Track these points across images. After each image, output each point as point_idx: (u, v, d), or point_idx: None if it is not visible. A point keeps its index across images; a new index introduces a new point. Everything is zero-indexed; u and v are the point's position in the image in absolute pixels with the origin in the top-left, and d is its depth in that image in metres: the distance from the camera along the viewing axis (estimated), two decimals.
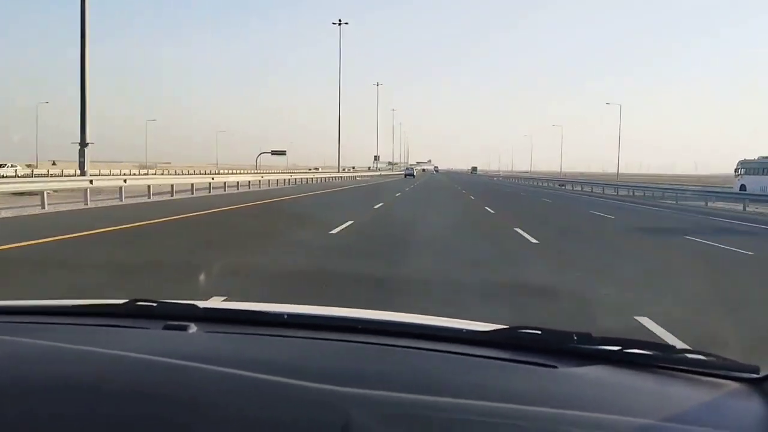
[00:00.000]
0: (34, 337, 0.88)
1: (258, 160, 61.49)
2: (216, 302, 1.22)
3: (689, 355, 0.91)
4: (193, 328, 1.02)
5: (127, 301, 1.14)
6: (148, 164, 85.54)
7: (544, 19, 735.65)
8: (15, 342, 0.85)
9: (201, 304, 1.14)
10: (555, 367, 0.88)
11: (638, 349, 0.92)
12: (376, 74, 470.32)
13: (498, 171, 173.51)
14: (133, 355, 0.80)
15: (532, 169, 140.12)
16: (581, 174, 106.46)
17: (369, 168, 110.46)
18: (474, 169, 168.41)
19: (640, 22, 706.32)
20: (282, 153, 62.33)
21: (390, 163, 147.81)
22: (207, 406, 0.69)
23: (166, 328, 1.02)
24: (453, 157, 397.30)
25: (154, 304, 1.11)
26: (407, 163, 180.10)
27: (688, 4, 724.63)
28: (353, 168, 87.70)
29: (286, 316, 1.09)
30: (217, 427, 0.66)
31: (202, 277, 5.48)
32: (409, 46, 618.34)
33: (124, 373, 0.76)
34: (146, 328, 1.04)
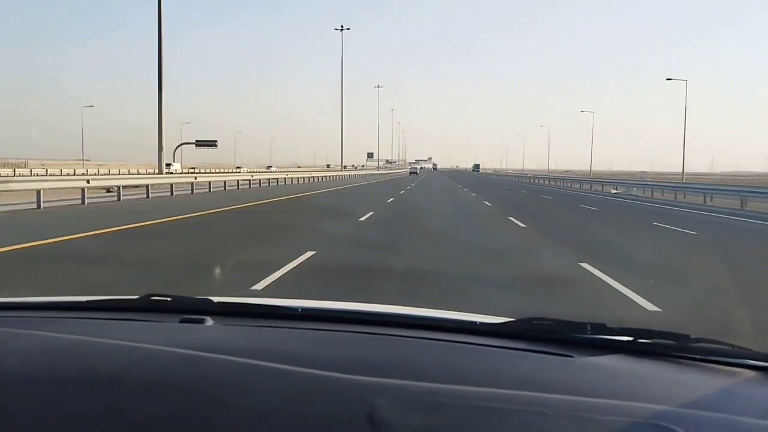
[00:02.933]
0: (54, 331, 0.88)
1: (176, 154, 55.56)
2: (230, 297, 1.19)
3: (704, 344, 0.90)
4: (209, 321, 1.02)
5: (141, 296, 1.14)
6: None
7: (543, 18, 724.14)
8: (36, 335, 0.86)
9: (215, 298, 1.13)
10: (571, 356, 0.88)
11: (652, 338, 0.91)
12: (374, 71, 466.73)
13: (506, 169, 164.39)
14: (152, 347, 0.81)
15: (525, 167, 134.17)
16: (611, 173, 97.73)
17: (363, 166, 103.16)
18: (476, 167, 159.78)
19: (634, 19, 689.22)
20: (211, 144, 55.50)
21: (387, 162, 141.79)
22: (229, 396, 0.69)
23: (183, 321, 1.02)
24: (452, 156, 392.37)
25: (169, 299, 1.12)
26: (405, 161, 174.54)
27: None
28: (345, 167, 79.89)
29: (300, 310, 1.09)
30: (239, 417, 0.66)
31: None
32: (407, 44, 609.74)
33: (144, 364, 0.77)
34: (162, 322, 1.04)
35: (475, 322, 1.03)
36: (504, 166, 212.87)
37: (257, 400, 0.68)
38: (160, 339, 0.85)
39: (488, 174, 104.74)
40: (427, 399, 0.68)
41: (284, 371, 0.73)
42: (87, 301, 1.15)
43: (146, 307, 1.12)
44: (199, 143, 56.75)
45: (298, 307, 1.09)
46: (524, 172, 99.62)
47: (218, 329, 1.00)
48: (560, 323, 0.95)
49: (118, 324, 1.03)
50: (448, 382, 0.72)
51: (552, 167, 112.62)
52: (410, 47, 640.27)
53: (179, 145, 59.25)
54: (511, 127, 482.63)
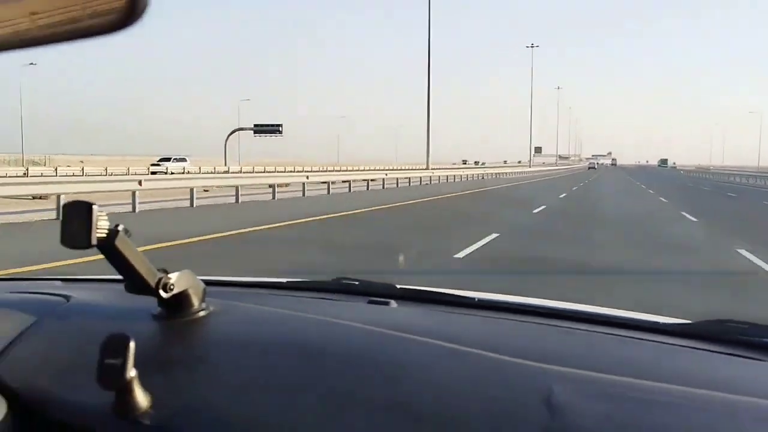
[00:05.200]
0: (261, 305, 0.98)
1: (228, 143, 53.27)
2: (412, 285, 1.25)
3: None
4: (393, 304, 1.09)
5: (333, 278, 1.26)
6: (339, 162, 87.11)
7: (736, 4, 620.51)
8: (247, 307, 0.96)
9: (398, 284, 1.22)
10: (764, 361, 0.84)
11: None
12: (548, 60, 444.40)
13: (709, 166, 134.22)
14: (345, 322, 0.88)
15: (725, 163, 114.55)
16: None
17: (519, 162, 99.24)
18: (663, 162, 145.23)
19: None
20: (274, 130, 51.88)
21: (561, 157, 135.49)
22: (412, 373, 0.74)
23: (370, 302, 1.11)
24: (634, 151, 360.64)
25: (357, 282, 1.23)
26: (580, 156, 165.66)
27: None
28: (506, 162, 78.01)
29: (476, 300, 1.13)
30: (421, 393, 0.70)
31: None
32: (582, 26, 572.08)
33: (339, 337, 0.84)
34: (352, 302, 1.13)
35: (656, 322, 1.01)
36: (707, 163, 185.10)
37: (438, 378, 0.72)
38: (351, 316, 0.93)
39: (688, 172, 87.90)
40: (607, 390, 0.68)
41: (464, 352, 0.77)
42: (286, 282, 1.28)
43: (336, 288, 1.22)
44: (259, 129, 53.02)
45: (475, 297, 1.13)
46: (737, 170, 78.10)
47: (402, 311, 1.07)
48: (754, 326, 0.92)
49: (313, 302, 1.14)
50: (630, 375, 0.72)
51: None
52: (585, 30, 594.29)
53: (233, 131, 55.16)
54: (708, 118, 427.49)
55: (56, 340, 0.89)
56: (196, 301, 0.87)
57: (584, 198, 21.91)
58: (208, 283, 0.91)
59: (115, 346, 0.68)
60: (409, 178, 31.06)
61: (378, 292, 1.15)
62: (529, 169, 69.84)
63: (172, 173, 32.60)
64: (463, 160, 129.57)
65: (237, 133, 57.33)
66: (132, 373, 0.68)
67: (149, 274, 0.80)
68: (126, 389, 0.68)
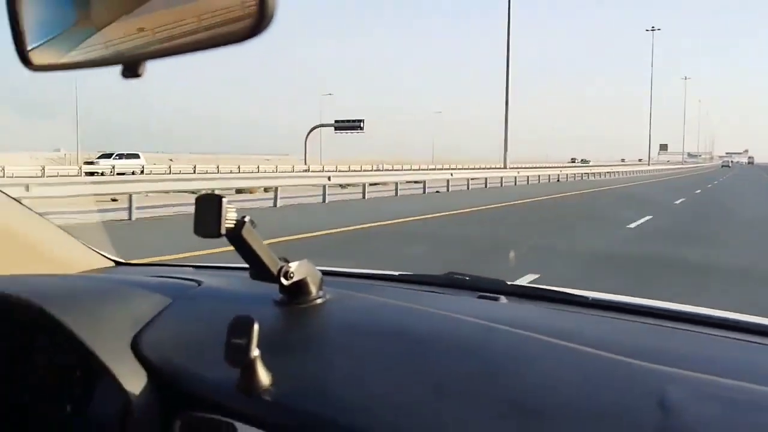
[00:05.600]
0: (374, 295, 1.02)
1: (309, 140, 48.54)
2: (522, 282, 1.33)
3: None
4: (503, 299, 1.09)
5: (444, 273, 1.27)
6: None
7: None
8: (362, 297, 1.00)
9: (508, 281, 1.22)
10: None
11: None
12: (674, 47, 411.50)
13: None
14: (455, 315, 0.89)
15: None
16: None
17: (640, 160, 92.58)
18: None
19: None
20: (354, 126, 47.38)
21: (690, 155, 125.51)
22: (520, 367, 0.74)
23: (480, 297, 1.11)
24: None
25: (467, 277, 1.22)
26: (711, 154, 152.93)
27: None
28: (622, 161, 72.97)
29: (590, 299, 1.11)
30: (528, 388, 0.70)
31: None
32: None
33: (449, 329, 0.85)
34: (462, 296, 1.14)
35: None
36: None
37: (548, 374, 0.72)
38: (460, 309, 0.93)
39: None
40: (722, 393, 0.66)
41: (573, 350, 0.76)
42: (398, 275, 1.31)
43: (447, 282, 1.23)
44: (340, 125, 48.73)
45: (589, 296, 1.11)
46: None
47: (512, 307, 1.07)
48: None
49: (424, 294, 1.16)
50: (746, 380, 0.69)
51: None
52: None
53: (313, 128, 51.73)
54: None
55: (188, 320, 0.97)
56: (314, 289, 0.92)
57: (703, 212, 16.54)
58: (324, 273, 0.96)
59: (241, 327, 0.73)
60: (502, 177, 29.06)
61: (488, 288, 1.16)
62: (647, 168, 65.48)
63: (120, 174, 27.27)
64: (572, 159, 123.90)
65: (318, 129, 54.85)
66: (255, 352, 0.73)
67: (272, 262, 0.86)
68: (250, 367, 0.74)
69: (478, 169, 33.53)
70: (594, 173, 43.31)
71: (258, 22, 0.59)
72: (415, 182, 22.93)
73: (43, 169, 34.89)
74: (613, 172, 49.18)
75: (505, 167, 35.19)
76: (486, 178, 26.91)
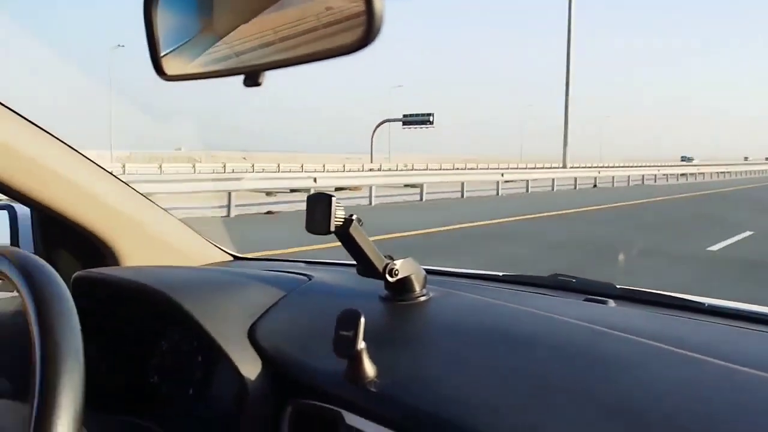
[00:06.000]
0: (478, 295, 1.02)
1: (377, 133, 44.73)
2: (633, 287, 1.19)
3: None
4: (611, 303, 1.06)
5: (550, 275, 1.24)
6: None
7: None
8: (466, 296, 1.01)
9: (618, 285, 1.17)
10: None
11: None
12: None
13: None
14: (559, 317, 0.88)
15: None
16: None
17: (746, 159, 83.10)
18: None
19: None
20: (424, 120, 44.86)
21: None
22: (626, 372, 0.73)
23: (587, 300, 1.09)
24: None
25: (574, 280, 1.19)
26: None
27: None
28: (745, 159, 66.38)
29: (706, 305, 1.06)
30: (641, 391, 0.69)
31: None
32: None
33: (552, 331, 0.85)
34: (567, 299, 1.11)
35: None
36: None
37: (657, 380, 0.70)
38: (565, 311, 0.92)
39: None
40: None
41: (685, 357, 0.74)
42: (502, 275, 1.30)
43: (553, 284, 1.20)
44: (408, 119, 46.32)
45: (705, 302, 1.06)
46: None
47: (620, 311, 1.03)
48: None
49: (528, 295, 1.15)
50: None
51: None
52: None
53: (381, 123, 48.61)
54: None
55: (300, 312, 1.02)
56: (418, 287, 0.95)
57: None
58: (428, 271, 0.98)
59: (349, 320, 0.77)
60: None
61: (596, 291, 1.13)
62: (762, 168, 59.60)
63: None
64: (682, 157, 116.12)
65: (386, 124, 52.23)
66: (362, 345, 0.76)
67: (378, 259, 0.90)
68: (356, 358, 0.77)
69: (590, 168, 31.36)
70: (695, 174, 39.15)
71: (367, 33, 0.62)
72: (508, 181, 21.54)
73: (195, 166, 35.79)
74: (726, 171, 43.88)
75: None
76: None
